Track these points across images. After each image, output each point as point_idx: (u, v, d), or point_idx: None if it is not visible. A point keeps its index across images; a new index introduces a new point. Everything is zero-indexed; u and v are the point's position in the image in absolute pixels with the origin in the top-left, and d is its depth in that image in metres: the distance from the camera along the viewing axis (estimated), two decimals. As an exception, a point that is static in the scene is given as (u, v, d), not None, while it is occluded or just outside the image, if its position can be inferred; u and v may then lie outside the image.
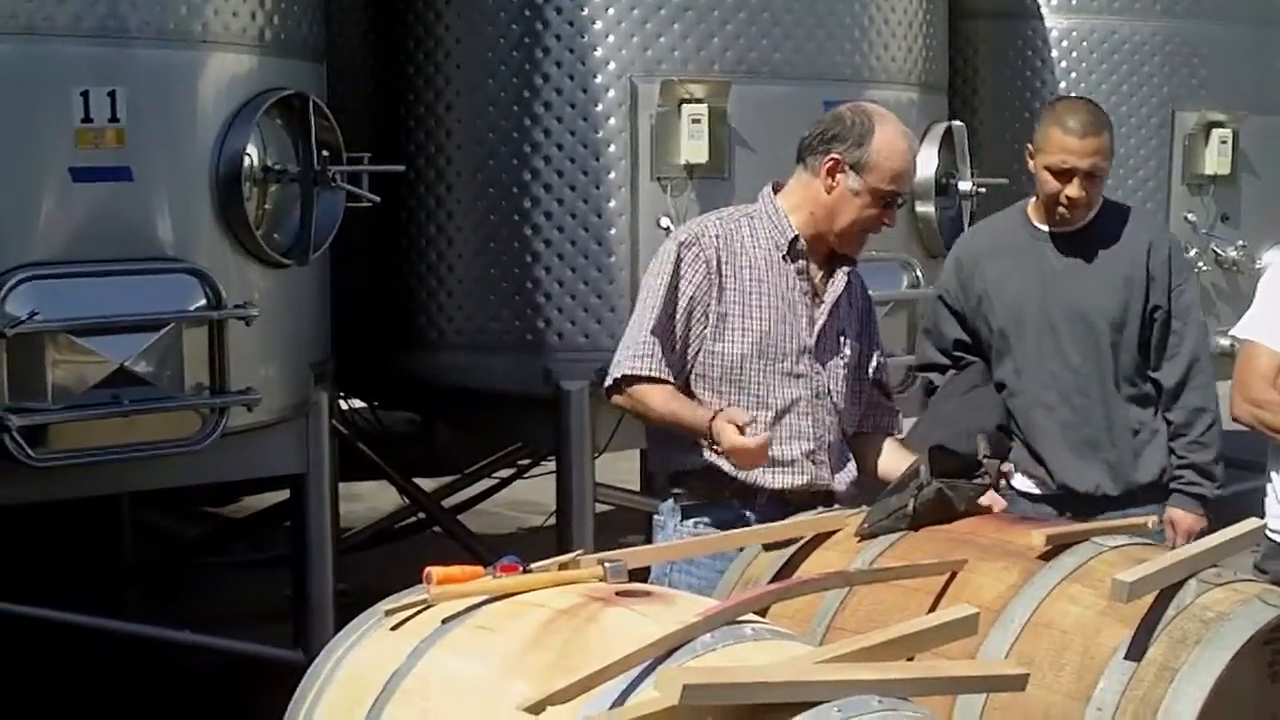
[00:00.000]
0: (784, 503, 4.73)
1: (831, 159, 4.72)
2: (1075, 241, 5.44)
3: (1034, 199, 5.49)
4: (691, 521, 4.82)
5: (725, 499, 4.79)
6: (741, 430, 4.55)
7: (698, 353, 4.75)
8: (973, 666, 3.63)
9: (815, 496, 4.77)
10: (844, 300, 4.89)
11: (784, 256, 4.79)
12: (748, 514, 4.76)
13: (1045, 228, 5.44)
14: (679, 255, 4.74)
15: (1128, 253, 5.44)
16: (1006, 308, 5.49)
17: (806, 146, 4.81)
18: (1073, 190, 5.31)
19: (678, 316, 4.72)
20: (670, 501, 4.88)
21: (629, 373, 4.75)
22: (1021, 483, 5.51)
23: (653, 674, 3.15)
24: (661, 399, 4.73)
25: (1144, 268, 5.41)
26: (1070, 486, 5.43)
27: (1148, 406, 5.42)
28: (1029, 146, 5.44)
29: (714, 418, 4.61)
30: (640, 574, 4.21)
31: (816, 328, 4.81)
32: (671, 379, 4.74)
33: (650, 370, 4.72)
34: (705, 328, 4.74)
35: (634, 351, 4.74)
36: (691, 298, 4.72)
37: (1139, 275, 5.41)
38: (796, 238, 4.79)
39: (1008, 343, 5.50)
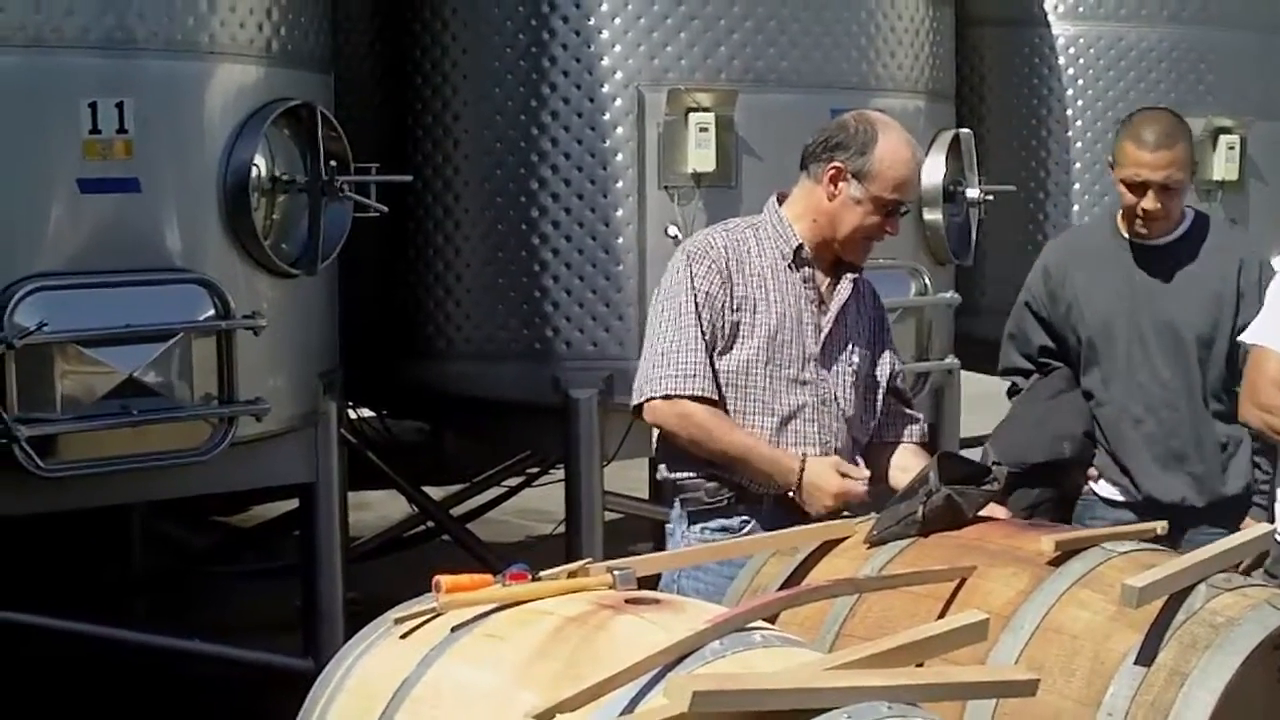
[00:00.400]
0: (789, 509, 4.73)
1: (834, 167, 4.73)
2: (1166, 254, 5.46)
3: (1120, 209, 5.52)
4: (698, 527, 4.82)
5: (730, 505, 4.79)
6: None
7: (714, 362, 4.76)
8: (983, 672, 3.63)
9: None
10: (852, 308, 4.89)
11: (789, 265, 4.80)
12: (753, 520, 4.77)
13: (1133, 238, 5.46)
14: (691, 270, 4.74)
15: (1218, 268, 5.45)
16: (1096, 317, 5.50)
17: (810, 154, 4.82)
18: (1148, 203, 5.33)
19: (704, 330, 4.72)
20: (678, 507, 4.88)
21: (674, 393, 4.70)
22: (1105, 489, 5.54)
23: (662, 681, 3.15)
24: (732, 431, 4.72)
25: (1234, 285, 5.43)
26: (1155, 498, 5.44)
27: (1233, 421, 5.40)
28: (1108, 158, 5.47)
29: (803, 466, 4.67)
30: (650, 581, 4.22)
31: (822, 335, 4.82)
32: (717, 398, 4.73)
33: (701, 390, 4.69)
34: (723, 338, 4.74)
35: (680, 370, 4.69)
36: (711, 309, 4.72)
37: (1229, 292, 5.43)
38: (801, 246, 4.79)
39: (1096, 353, 5.51)
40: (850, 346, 4.89)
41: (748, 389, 4.75)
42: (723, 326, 4.73)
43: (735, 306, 4.74)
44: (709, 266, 4.74)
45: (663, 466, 4.92)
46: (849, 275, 4.88)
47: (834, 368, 4.84)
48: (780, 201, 4.88)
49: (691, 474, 4.81)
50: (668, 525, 4.97)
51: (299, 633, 6.82)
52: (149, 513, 8.46)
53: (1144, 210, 5.36)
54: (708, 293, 4.72)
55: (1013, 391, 5.78)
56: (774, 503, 4.76)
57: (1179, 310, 5.44)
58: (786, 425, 4.76)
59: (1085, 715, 3.66)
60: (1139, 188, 5.34)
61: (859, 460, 4.90)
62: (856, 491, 4.67)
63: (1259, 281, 5.43)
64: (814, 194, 4.79)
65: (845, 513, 4.68)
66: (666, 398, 4.70)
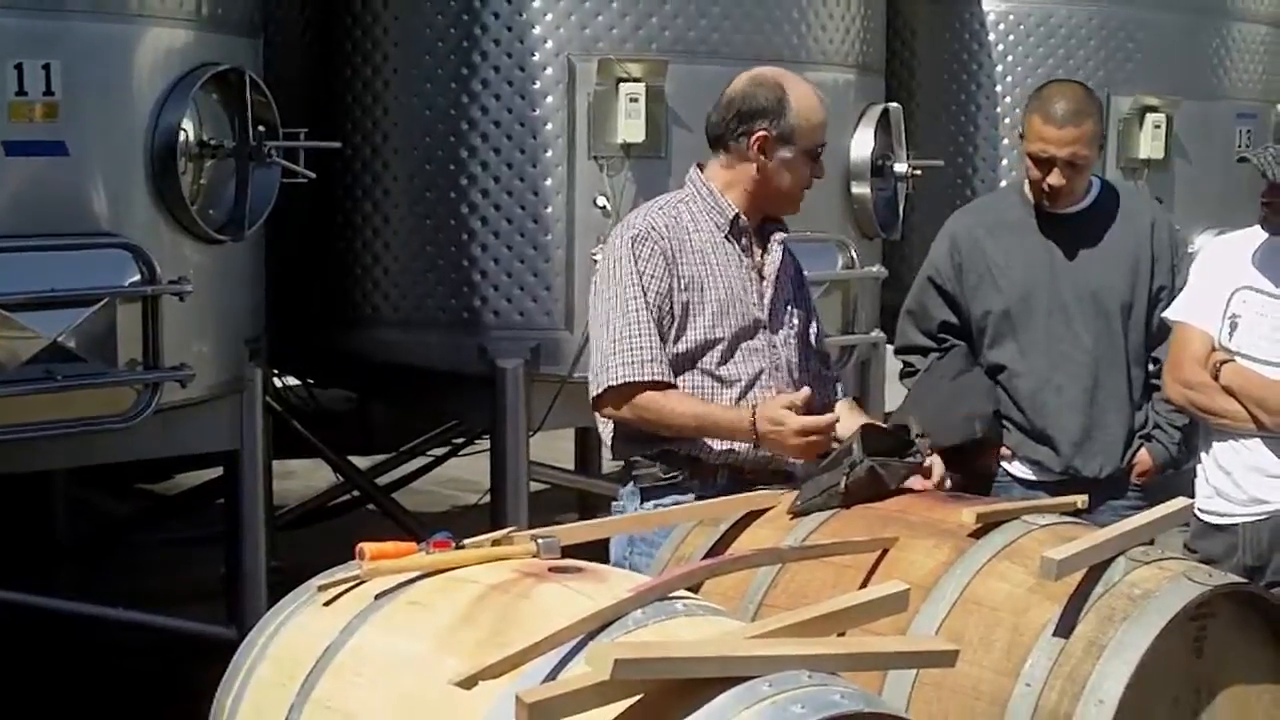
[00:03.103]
0: (743, 482, 4.72)
1: (759, 137, 4.73)
2: (1079, 221, 5.50)
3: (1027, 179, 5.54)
4: (651, 504, 4.79)
5: (684, 481, 4.79)
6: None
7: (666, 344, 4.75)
8: (903, 642, 3.65)
9: (775, 475, 4.75)
10: (781, 271, 4.91)
11: (726, 236, 4.81)
12: (706, 496, 4.74)
13: (1041, 209, 5.48)
14: (635, 252, 4.72)
15: (1133, 234, 5.51)
16: (1014, 287, 5.52)
17: (722, 131, 4.80)
18: (1053, 179, 5.37)
19: (653, 314, 4.70)
20: (630, 485, 4.86)
21: (632, 380, 4.68)
22: (1019, 469, 5.56)
23: (585, 649, 3.16)
24: (681, 403, 4.70)
25: (1149, 248, 5.48)
26: (1076, 468, 5.48)
27: (1154, 389, 5.49)
28: (1019, 130, 5.50)
29: (755, 412, 4.64)
30: (602, 555, 4.22)
31: (766, 301, 4.83)
32: (673, 380, 4.72)
33: (656, 375, 4.67)
34: (673, 322, 4.73)
35: (633, 357, 4.67)
36: (658, 292, 4.70)
37: (1145, 255, 5.49)
38: (738, 215, 4.80)
39: (1012, 324, 5.52)
40: (789, 308, 4.91)
41: (705, 365, 4.75)
42: (671, 308, 4.72)
43: (683, 286, 4.73)
44: (651, 249, 4.72)
45: (618, 454, 4.91)
46: (776, 239, 4.90)
47: (780, 331, 4.86)
48: (701, 171, 4.89)
49: (646, 452, 4.81)
50: (615, 504, 4.95)
51: (223, 601, 6.81)
52: (72, 480, 8.42)
53: (1049, 185, 5.39)
54: (653, 275, 4.70)
55: (906, 374, 5.77)
56: (728, 477, 4.76)
57: (1100, 277, 5.47)
58: (746, 394, 4.76)
59: (1004, 686, 3.69)
60: (1045, 163, 5.37)
61: None
62: (817, 424, 4.59)
63: (1169, 242, 5.51)
64: (738, 167, 4.79)
65: (833, 447, 4.62)
66: (623, 384, 4.69)
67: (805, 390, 4.69)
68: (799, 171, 4.79)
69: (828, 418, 4.65)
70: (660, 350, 4.68)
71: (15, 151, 5.56)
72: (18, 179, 5.61)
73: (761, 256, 4.88)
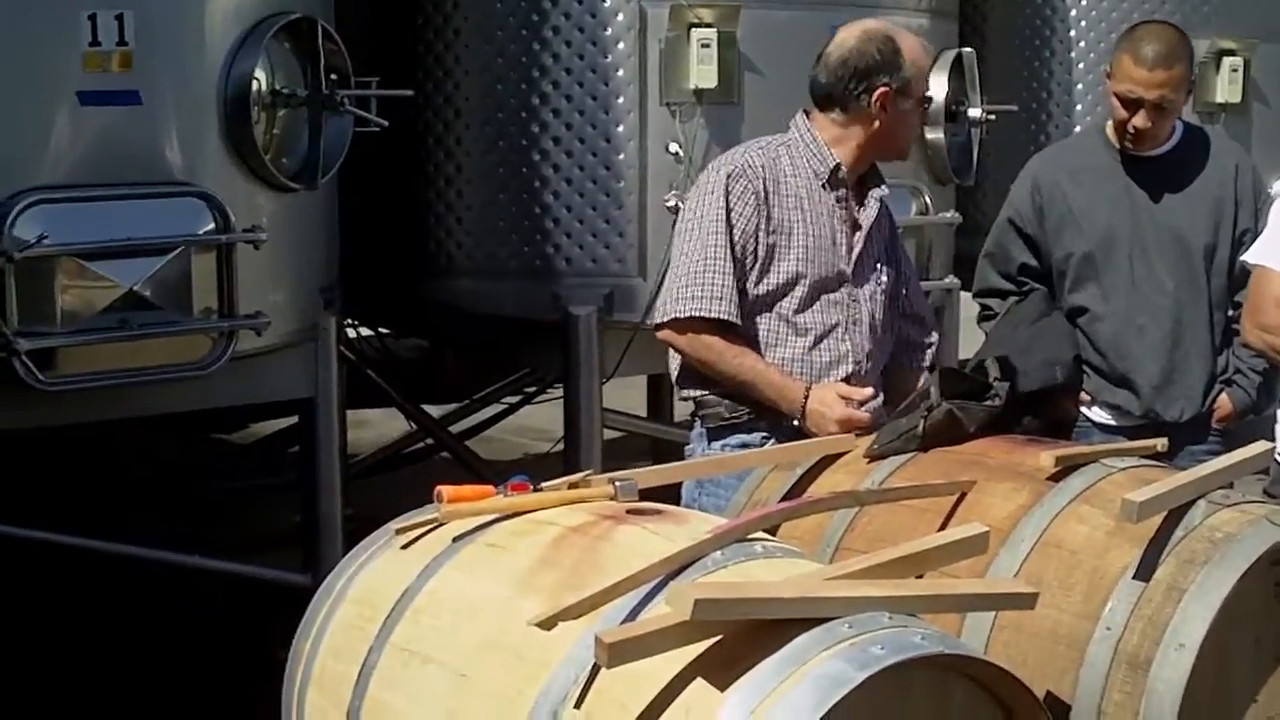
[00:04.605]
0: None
1: (880, 93, 4.73)
2: (1163, 164, 5.47)
3: (1110, 120, 5.49)
4: (719, 444, 4.84)
5: (750, 421, 4.79)
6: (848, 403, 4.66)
7: (745, 286, 4.75)
8: (982, 585, 3.64)
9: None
10: (875, 228, 4.90)
11: (824, 185, 4.80)
12: (773, 436, 4.77)
13: (1124, 150, 5.44)
14: (728, 188, 4.72)
15: (1216, 176, 5.48)
16: (1096, 229, 5.49)
17: (840, 92, 4.79)
18: (1139, 120, 5.34)
19: (735, 252, 4.70)
20: (698, 425, 4.89)
21: (698, 314, 4.70)
22: (1099, 414, 5.54)
23: (664, 590, 3.16)
24: (740, 355, 4.72)
25: (1233, 191, 5.46)
26: (1156, 411, 5.45)
27: (1235, 334, 5.45)
28: (1105, 68, 5.45)
29: (808, 393, 4.68)
30: (673, 498, 4.23)
31: (854, 255, 4.83)
32: (740, 322, 4.72)
33: (723, 313, 4.69)
34: (756, 262, 4.72)
35: (704, 292, 4.68)
36: (744, 231, 4.71)
37: (1229, 198, 5.47)
38: (838, 165, 4.81)
39: (1094, 267, 5.49)
40: (878, 265, 4.92)
41: (782, 310, 4.76)
42: (755, 249, 4.72)
43: (771, 229, 4.73)
44: (745, 187, 4.72)
45: (683, 385, 4.92)
46: (874, 194, 4.89)
47: (864, 287, 4.86)
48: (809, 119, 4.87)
49: (711, 391, 4.81)
50: (687, 447, 4.98)
51: (298, 549, 6.84)
52: (147, 428, 8.47)
53: (1134, 127, 5.36)
54: (741, 213, 4.70)
55: (984, 317, 5.74)
56: (795, 422, 4.76)
57: (1184, 219, 5.44)
58: (820, 344, 4.79)
59: (1083, 629, 3.67)
60: (1132, 104, 5.33)
61: (880, 386, 4.90)
62: (860, 419, 4.66)
63: (1252, 186, 5.49)
64: (856, 125, 4.81)
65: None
66: (690, 318, 4.69)
67: (869, 390, 4.74)
68: (914, 120, 4.87)
69: (865, 416, 4.66)
70: (732, 290, 4.67)
71: (90, 101, 5.58)
72: (92, 129, 5.63)
73: (858, 211, 4.87)
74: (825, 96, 4.82)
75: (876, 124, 4.77)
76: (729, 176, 4.73)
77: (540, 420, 9.81)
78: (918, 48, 4.82)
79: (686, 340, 4.73)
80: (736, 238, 4.69)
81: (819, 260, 4.75)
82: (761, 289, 4.74)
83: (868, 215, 4.87)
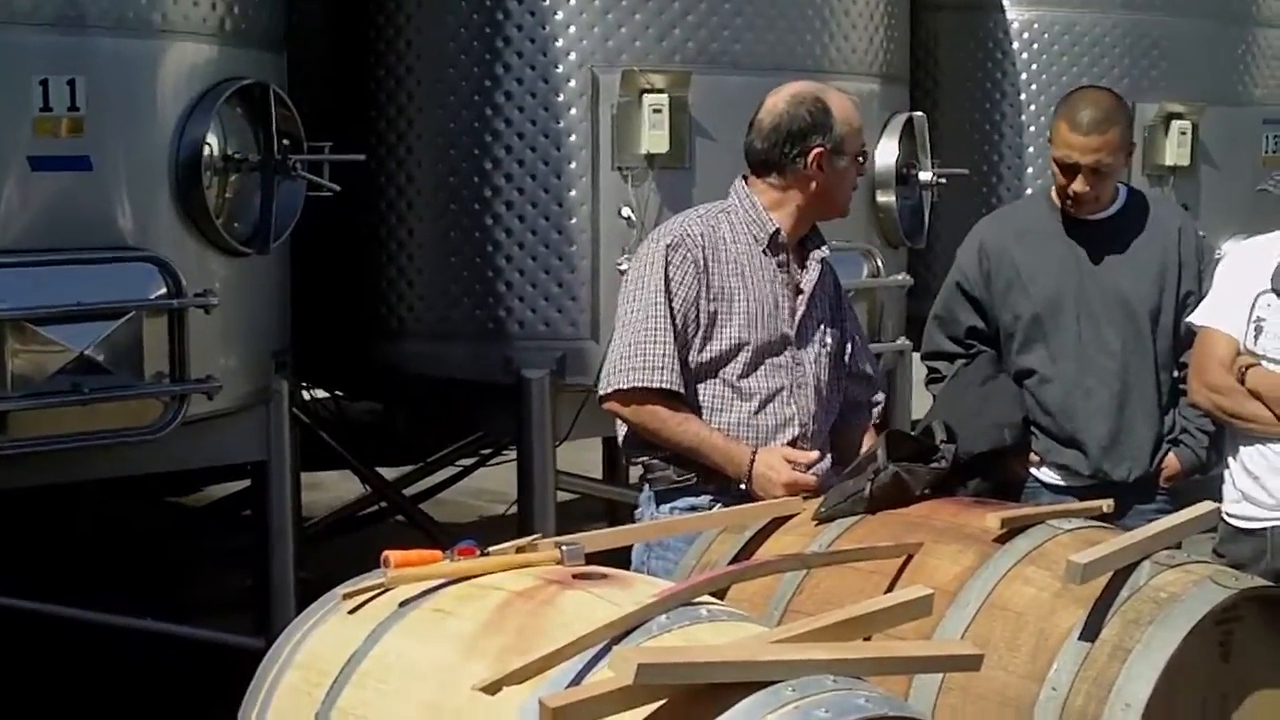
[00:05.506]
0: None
1: (816, 154, 4.76)
2: (1107, 228, 5.51)
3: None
4: (667, 507, 4.84)
5: (698, 484, 4.81)
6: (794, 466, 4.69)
7: (688, 354, 4.77)
8: (928, 647, 3.65)
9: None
10: (818, 289, 4.92)
11: (764, 250, 4.82)
12: (721, 499, 4.78)
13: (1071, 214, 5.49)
14: (668, 258, 4.74)
15: (1160, 240, 5.52)
16: (1042, 292, 5.51)
17: (776, 157, 4.81)
18: (1077, 185, 5.38)
19: (675, 322, 4.72)
20: (646, 489, 4.90)
21: (640, 384, 4.71)
22: (1048, 475, 5.55)
23: (609, 655, 3.16)
24: (684, 423, 4.74)
25: (1176, 255, 5.49)
26: (1104, 471, 5.47)
27: (1180, 394, 5.49)
28: (1047, 134, 5.52)
29: (754, 457, 4.70)
30: (622, 561, 4.24)
31: (797, 318, 4.85)
32: (683, 390, 4.74)
33: (665, 383, 4.70)
34: (698, 330, 4.75)
35: (645, 363, 4.70)
36: (684, 300, 4.73)
37: (1172, 262, 5.50)
38: (778, 231, 4.82)
39: (1041, 329, 5.52)
40: (822, 327, 4.93)
41: (726, 376, 4.78)
42: (697, 317, 4.74)
43: (711, 297, 4.75)
44: (684, 256, 4.74)
45: (629, 450, 4.94)
46: (815, 255, 4.91)
47: (808, 349, 4.88)
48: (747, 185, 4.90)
49: (658, 455, 4.83)
50: (636, 510, 4.99)
51: (251, 612, 6.81)
52: (100, 492, 8.43)
53: (1073, 191, 5.40)
54: (681, 282, 4.72)
55: (932, 380, 5.76)
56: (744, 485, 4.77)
57: (1128, 282, 5.47)
58: (765, 408, 4.79)
59: (1029, 690, 3.69)
60: (1069, 169, 5.38)
61: (828, 447, 4.92)
62: (806, 482, 4.67)
63: (1195, 249, 5.54)
64: (794, 188, 4.83)
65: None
66: (633, 389, 4.71)
67: (815, 453, 4.77)
68: (851, 177, 4.88)
69: (812, 480, 4.68)
70: (674, 359, 4.70)
71: (41, 167, 5.59)
72: (43, 194, 5.64)
73: (800, 274, 4.90)
74: (761, 162, 4.85)
75: (814, 185, 4.79)
76: (668, 247, 4.75)
77: (495, 483, 9.79)
78: (847, 105, 4.84)
79: (631, 410, 4.76)
80: (677, 307, 4.71)
81: (761, 325, 4.77)
82: (705, 356, 4.76)
83: (809, 279, 4.89)
